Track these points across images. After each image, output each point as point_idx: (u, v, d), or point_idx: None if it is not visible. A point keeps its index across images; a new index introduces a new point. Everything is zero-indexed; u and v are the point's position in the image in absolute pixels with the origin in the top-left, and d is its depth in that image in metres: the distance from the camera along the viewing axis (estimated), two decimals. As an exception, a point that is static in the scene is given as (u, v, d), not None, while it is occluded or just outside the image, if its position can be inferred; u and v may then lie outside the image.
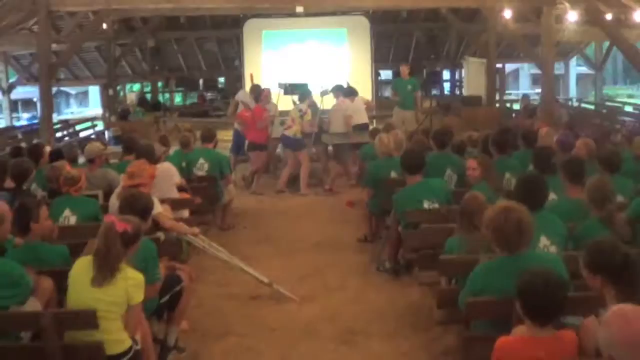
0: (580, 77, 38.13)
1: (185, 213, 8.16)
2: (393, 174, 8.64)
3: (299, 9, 16.66)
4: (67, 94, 49.13)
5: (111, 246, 4.44)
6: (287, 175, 12.82)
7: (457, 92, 25.08)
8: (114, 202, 6.87)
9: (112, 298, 4.42)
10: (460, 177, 7.98)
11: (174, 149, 10.60)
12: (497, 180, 7.25)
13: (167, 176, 8.13)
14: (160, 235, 6.81)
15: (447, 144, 8.73)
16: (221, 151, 12.76)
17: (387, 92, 26.59)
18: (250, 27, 21.51)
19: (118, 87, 23.83)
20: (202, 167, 9.90)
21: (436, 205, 6.95)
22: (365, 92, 20.25)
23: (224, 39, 24.72)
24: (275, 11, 19.84)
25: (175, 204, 7.85)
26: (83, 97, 47.40)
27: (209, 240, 7.30)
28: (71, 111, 46.46)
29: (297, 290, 7.36)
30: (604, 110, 22.02)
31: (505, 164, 8.13)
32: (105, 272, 4.41)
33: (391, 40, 25.36)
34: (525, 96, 21.77)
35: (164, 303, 5.58)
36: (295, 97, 13.53)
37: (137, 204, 5.51)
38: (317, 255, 8.82)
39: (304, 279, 7.86)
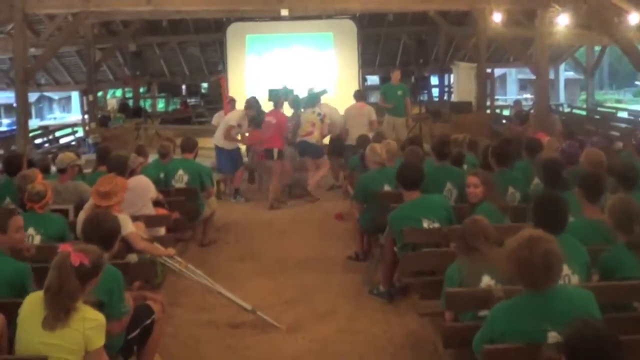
0: (567, 83, 37.75)
1: (162, 231, 7.51)
2: (386, 187, 8.04)
3: (284, 12, 16.06)
4: (50, 100, 48.55)
5: (65, 282, 3.78)
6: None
7: (446, 98, 24.56)
8: (82, 219, 6.26)
9: (67, 344, 3.76)
10: (461, 192, 7.30)
11: (153, 157, 9.97)
12: (501, 198, 6.65)
13: (141, 190, 7.49)
14: (132, 257, 6.21)
15: (447, 156, 8.06)
16: (202, 161, 12.21)
17: (374, 98, 26.04)
18: (233, 31, 20.76)
19: (99, 93, 23.21)
20: (181, 179, 9.23)
21: (437, 225, 6.30)
22: (352, 99, 19.73)
23: (207, 43, 24.01)
24: (260, 14, 19.19)
25: (150, 221, 7.22)
26: (66, 103, 46.73)
27: (186, 261, 6.65)
28: (54, 117, 45.90)
29: (283, 317, 6.72)
30: (597, 117, 21.51)
31: (507, 177, 7.56)
32: (58, 312, 3.76)
33: (377, 45, 24.73)
34: (517, 102, 21.18)
35: (133, 338, 4.92)
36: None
37: (101, 228, 4.87)
38: (305, 275, 8.17)
39: (290, 304, 7.20)
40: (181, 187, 9.14)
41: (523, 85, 49.11)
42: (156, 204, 7.92)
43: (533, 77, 17.36)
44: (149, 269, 6.19)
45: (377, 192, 7.93)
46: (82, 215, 6.32)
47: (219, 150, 12.55)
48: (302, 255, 8.94)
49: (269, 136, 12.04)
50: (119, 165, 7.45)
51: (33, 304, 3.90)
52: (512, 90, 44.06)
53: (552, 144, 9.16)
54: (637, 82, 42.38)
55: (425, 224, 6.27)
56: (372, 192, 7.92)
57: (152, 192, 7.77)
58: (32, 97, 42.83)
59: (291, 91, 14.10)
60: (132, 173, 7.78)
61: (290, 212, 11.47)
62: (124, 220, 6.06)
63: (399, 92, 14.97)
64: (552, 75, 28.87)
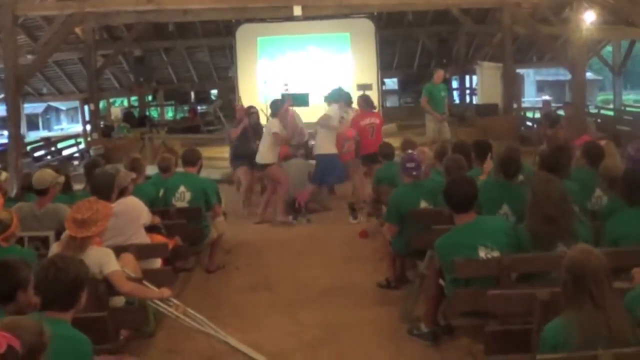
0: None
1: (157, 262, 6.29)
2: (423, 204, 6.81)
3: (297, 12, 14.81)
4: (58, 110, 47.81)
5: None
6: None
7: (468, 100, 23.35)
8: (54, 251, 5.11)
9: None
10: (520, 216, 5.88)
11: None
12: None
13: (132, 215, 6.25)
14: (118, 300, 5.04)
15: (516, 175, 6.49)
16: (212, 174, 11.07)
17: (390, 102, 24.94)
18: (243, 34, 19.50)
19: (102, 102, 22.13)
20: (182, 197, 7.93)
21: (496, 254, 5.01)
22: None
23: (217, 47, 22.85)
24: (271, 15, 17.93)
25: (142, 252, 6.00)
26: (74, 113, 45.79)
27: (190, 291, 5.52)
28: (61, 127, 45.12)
29: (306, 369, 5.48)
30: (628, 117, 20.21)
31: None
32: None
33: (395, 46, 23.58)
34: (546, 102, 20.05)
35: None
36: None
37: (59, 281, 3.64)
38: (329, 309, 6.89)
39: (314, 348, 5.93)
40: (183, 206, 7.86)
41: (541, 86, 47.95)
42: (152, 228, 6.69)
43: (552, 78, 16.43)
44: (138, 315, 5.04)
45: (414, 210, 6.71)
46: (54, 248, 5.15)
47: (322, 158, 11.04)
48: (325, 283, 7.68)
49: (373, 139, 10.97)
50: (103, 185, 6.18)
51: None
52: (530, 92, 42.72)
53: (609, 148, 7.91)
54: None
55: (482, 253, 4.97)
56: (407, 211, 6.70)
57: (145, 216, 6.51)
58: (39, 108, 42.35)
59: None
60: (124, 192, 6.51)
61: (309, 230, 10.24)
62: (105, 256, 4.95)
63: (442, 93, 14.05)
64: (568, 77, 27.65)
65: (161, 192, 7.97)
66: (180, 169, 8.61)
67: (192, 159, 8.33)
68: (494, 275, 4.96)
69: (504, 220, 5.68)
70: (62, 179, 6.90)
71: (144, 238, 6.32)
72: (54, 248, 5.15)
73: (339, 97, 11.24)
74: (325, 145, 10.86)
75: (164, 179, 8.39)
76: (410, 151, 7.31)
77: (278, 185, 10.70)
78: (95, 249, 5.03)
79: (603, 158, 7.03)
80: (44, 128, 45.35)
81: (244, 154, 11.38)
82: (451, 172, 6.62)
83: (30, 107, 37.33)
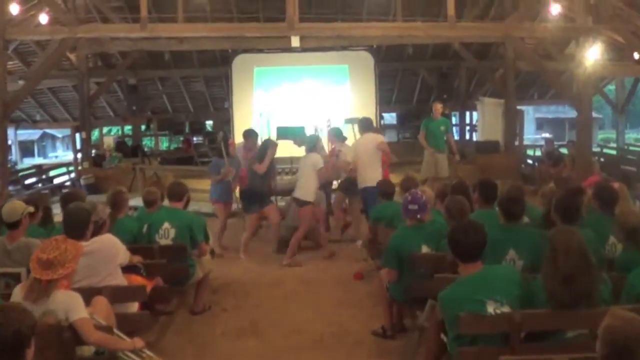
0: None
1: (134, 306, 5.78)
2: (425, 248, 6.32)
3: (295, 43, 14.43)
4: (54, 137, 47.43)
5: None
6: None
7: (468, 137, 22.96)
8: (17, 294, 4.62)
9: None
10: (534, 264, 5.35)
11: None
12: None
13: (106, 254, 5.67)
14: (86, 350, 4.54)
15: (519, 217, 6.03)
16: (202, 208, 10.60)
17: (388, 138, 24.49)
18: (240, 64, 19.15)
19: (96, 130, 21.73)
20: (166, 234, 7.32)
21: (506, 309, 4.47)
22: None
23: (213, 78, 22.46)
24: (269, 46, 17.53)
25: (117, 295, 5.48)
26: (69, 141, 45.28)
27: (171, 337, 5.00)
28: (56, 155, 44.78)
29: None
30: (631, 157, 19.78)
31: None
32: None
33: (394, 80, 23.22)
34: (549, 140, 19.62)
35: None
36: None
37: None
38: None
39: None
40: (167, 244, 7.26)
41: (540, 124, 47.62)
42: (130, 268, 6.17)
43: (551, 115, 16.06)
44: (106, 368, 4.49)
45: (414, 255, 6.21)
46: (18, 291, 4.65)
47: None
48: (317, 330, 7.15)
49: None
50: (77, 222, 5.60)
51: None
52: (529, 130, 42.24)
53: (622, 191, 7.44)
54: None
55: (490, 308, 4.42)
56: (407, 254, 6.21)
57: (122, 256, 5.91)
58: (35, 134, 42.04)
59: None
60: (100, 229, 6.00)
61: (301, 270, 9.73)
62: (72, 302, 4.47)
63: (442, 128, 13.61)
64: (568, 114, 27.11)
65: (145, 228, 7.44)
66: (165, 205, 8.09)
67: (177, 193, 7.72)
68: (503, 332, 4.46)
69: (515, 270, 5.08)
70: (30, 209, 6.36)
71: (120, 279, 5.77)
72: (17, 291, 4.63)
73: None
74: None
75: (148, 213, 7.91)
76: (413, 191, 6.81)
77: (299, 227, 10.28)
78: (61, 293, 4.52)
79: (617, 202, 6.57)
80: (39, 155, 45.05)
81: (259, 195, 10.51)
82: (454, 216, 6.14)
83: (25, 134, 37.06)
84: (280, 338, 6.98)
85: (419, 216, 6.42)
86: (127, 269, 6.07)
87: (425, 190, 7.23)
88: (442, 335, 4.89)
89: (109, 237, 5.79)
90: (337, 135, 11.42)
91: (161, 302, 6.55)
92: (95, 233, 5.73)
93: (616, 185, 7.58)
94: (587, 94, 13.57)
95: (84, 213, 5.61)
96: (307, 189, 10.11)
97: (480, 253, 4.59)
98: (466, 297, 4.45)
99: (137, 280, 6.05)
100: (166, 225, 7.36)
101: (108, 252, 5.67)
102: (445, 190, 7.71)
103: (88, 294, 5.09)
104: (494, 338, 4.47)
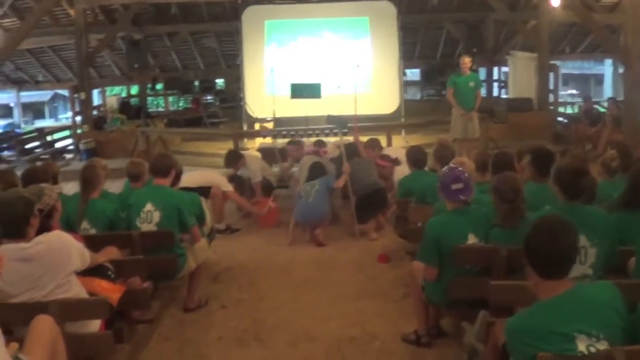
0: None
1: (95, 324, 4.42)
2: (472, 238, 4.90)
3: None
4: (65, 98, 46.01)
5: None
6: None
7: (495, 94, 21.54)
8: None
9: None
10: (612, 252, 4.19)
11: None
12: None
13: (55, 260, 4.16)
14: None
15: (581, 194, 4.42)
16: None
17: (410, 95, 23.22)
18: (250, 16, 17.58)
19: (97, 90, 20.45)
20: (149, 217, 5.95)
21: (603, 346, 3.04)
22: (391, 95, 16.95)
23: (224, 32, 20.99)
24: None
25: (68, 312, 4.10)
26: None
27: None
28: (66, 116, 43.51)
29: None
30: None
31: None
32: None
33: (417, 34, 21.75)
34: (587, 98, 18.17)
35: None
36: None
37: None
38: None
39: None
40: (150, 229, 5.90)
41: (565, 80, 45.84)
42: (96, 270, 4.81)
43: (577, 71, 14.92)
44: None
45: (459, 247, 4.81)
46: None
47: None
48: (333, 334, 5.79)
49: None
50: (8, 219, 4.09)
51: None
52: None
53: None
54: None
55: (581, 345, 3.03)
56: (450, 246, 4.81)
57: (76, 259, 4.32)
58: (46, 96, 40.76)
59: None
60: (49, 219, 4.63)
61: (315, 253, 8.36)
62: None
63: (471, 84, 12.25)
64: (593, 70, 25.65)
65: (122, 214, 6.08)
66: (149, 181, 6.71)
67: (162, 168, 6.24)
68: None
69: (616, 290, 3.31)
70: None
71: (76, 290, 4.30)
72: None
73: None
74: None
75: (133, 189, 6.61)
76: (452, 165, 5.38)
77: None
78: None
79: None
80: (50, 117, 43.68)
81: None
82: (506, 199, 4.74)
83: (37, 95, 35.93)
84: (288, 346, 5.64)
85: (462, 197, 5.01)
86: (92, 270, 4.67)
87: (464, 162, 5.89)
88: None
89: (58, 236, 4.24)
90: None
91: (139, 307, 5.19)
92: (42, 226, 4.32)
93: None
94: (636, 47, 12.08)
95: (20, 205, 4.14)
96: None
97: (571, 265, 3.19)
98: (547, 329, 3.04)
99: (102, 287, 4.57)
100: (149, 206, 5.98)
101: (57, 256, 4.18)
102: (485, 159, 6.34)
103: (30, 312, 3.83)
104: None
